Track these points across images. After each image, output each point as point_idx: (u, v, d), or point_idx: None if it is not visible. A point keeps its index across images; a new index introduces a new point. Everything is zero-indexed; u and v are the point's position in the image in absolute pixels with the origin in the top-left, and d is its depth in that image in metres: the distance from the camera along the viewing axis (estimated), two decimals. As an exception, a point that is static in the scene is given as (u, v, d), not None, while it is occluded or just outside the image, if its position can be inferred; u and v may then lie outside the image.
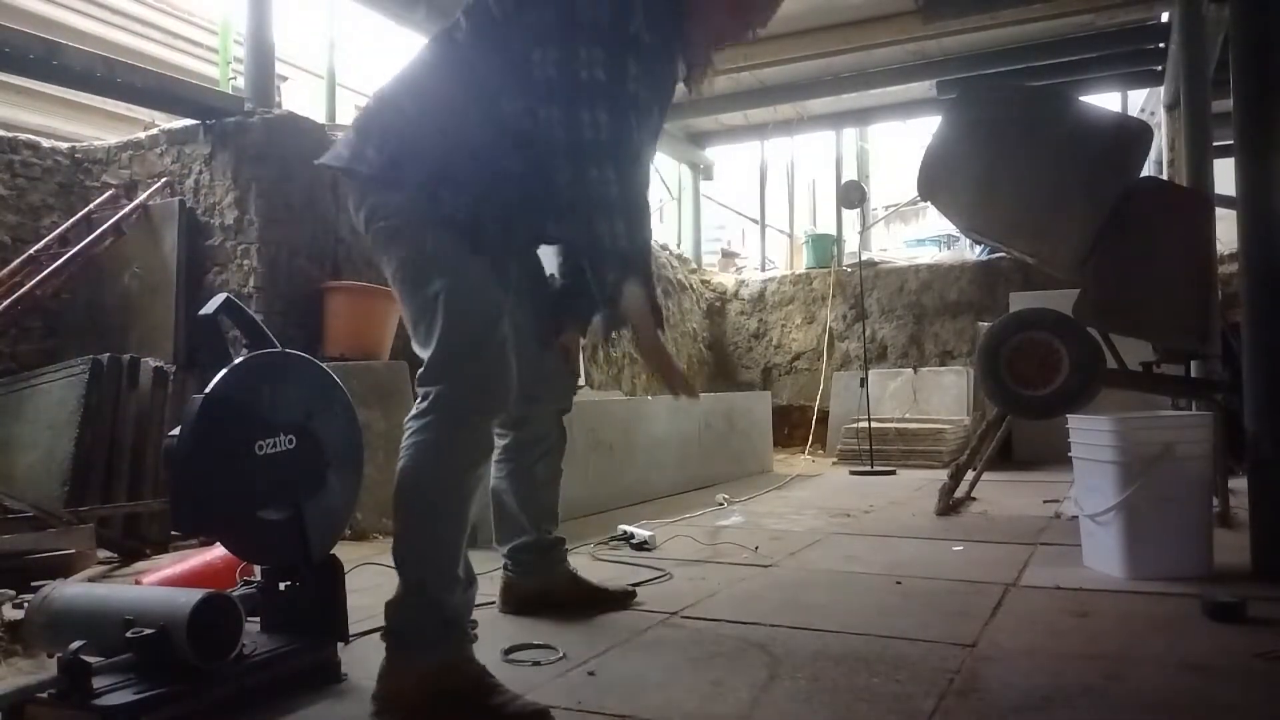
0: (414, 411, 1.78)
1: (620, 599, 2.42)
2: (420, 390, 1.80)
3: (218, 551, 2.42)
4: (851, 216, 8.35)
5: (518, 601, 2.34)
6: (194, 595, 1.61)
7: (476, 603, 1.86)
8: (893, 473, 5.64)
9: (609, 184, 1.77)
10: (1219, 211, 3.70)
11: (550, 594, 2.35)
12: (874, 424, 6.00)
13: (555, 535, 2.38)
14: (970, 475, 4.18)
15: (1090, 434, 2.79)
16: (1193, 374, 4.30)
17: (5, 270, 3.82)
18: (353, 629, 1.92)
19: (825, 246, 8.27)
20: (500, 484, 2.31)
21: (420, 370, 1.80)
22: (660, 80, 1.94)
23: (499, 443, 2.19)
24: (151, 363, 3.58)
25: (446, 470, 1.75)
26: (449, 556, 1.75)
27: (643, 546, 3.19)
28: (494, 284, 1.81)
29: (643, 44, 1.79)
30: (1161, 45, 6.44)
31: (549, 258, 2.27)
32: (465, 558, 1.79)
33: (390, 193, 1.79)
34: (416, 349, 1.82)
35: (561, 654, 1.99)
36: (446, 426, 1.74)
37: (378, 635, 1.75)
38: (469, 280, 1.77)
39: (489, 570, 2.11)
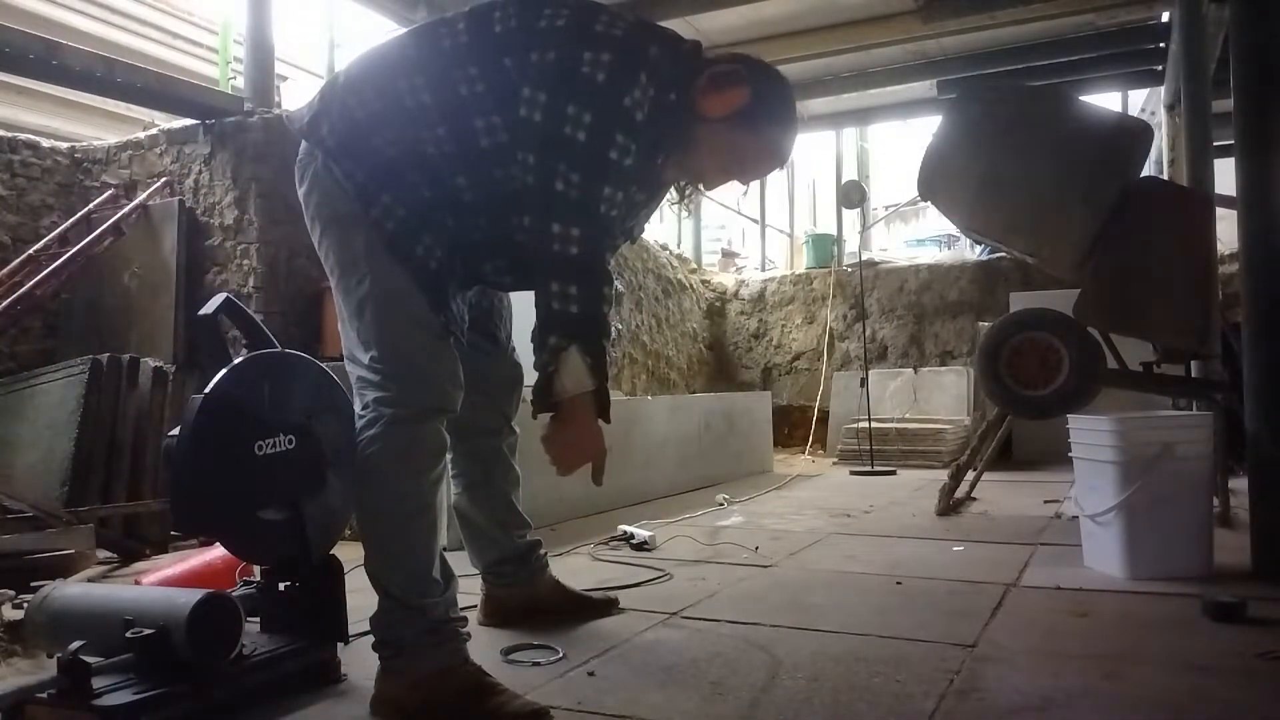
0: (361, 423, 1.76)
1: (604, 606, 2.36)
2: (360, 396, 1.77)
3: (218, 551, 2.42)
4: (851, 216, 8.36)
5: (503, 614, 2.25)
6: (194, 595, 1.61)
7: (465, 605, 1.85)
8: (893, 473, 5.63)
9: (570, 242, 1.63)
10: (1219, 211, 3.70)
11: (534, 604, 2.26)
12: (874, 424, 5.99)
13: (530, 538, 2.28)
14: (970, 475, 4.18)
15: (1090, 434, 2.79)
16: (1193, 374, 4.30)
17: (5, 270, 3.82)
18: (353, 629, 1.92)
19: (825, 246, 8.27)
20: (460, 501, 2.21)
21: (358, 375, 1.77)
22: (646, 173, 1.82)
23: (447, 457, 2.01)
24: (151, 363, 3.58)
25: (403, 475, 1.74)
26: (422, 562, 1.74)
27: (643, 546, 3.19)
28: (422, 295, 1.73)
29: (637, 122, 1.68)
30: (1161, 45, 6.44)
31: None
32: (440, 559, 1.78)
33: (330, 178, 1.75)
34: (349, 348, 1.79)
35: (561, 654, 1.99)
36: (394, 431, 1.73)
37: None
38: (396, 283, 1.73)
39: (468, 574, 2.09)
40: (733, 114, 1.75)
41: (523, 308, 2.25)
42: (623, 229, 1.93)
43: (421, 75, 1.72)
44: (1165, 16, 6.08)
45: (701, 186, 1.96)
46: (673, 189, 1.99)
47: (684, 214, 2.10)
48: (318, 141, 1.78)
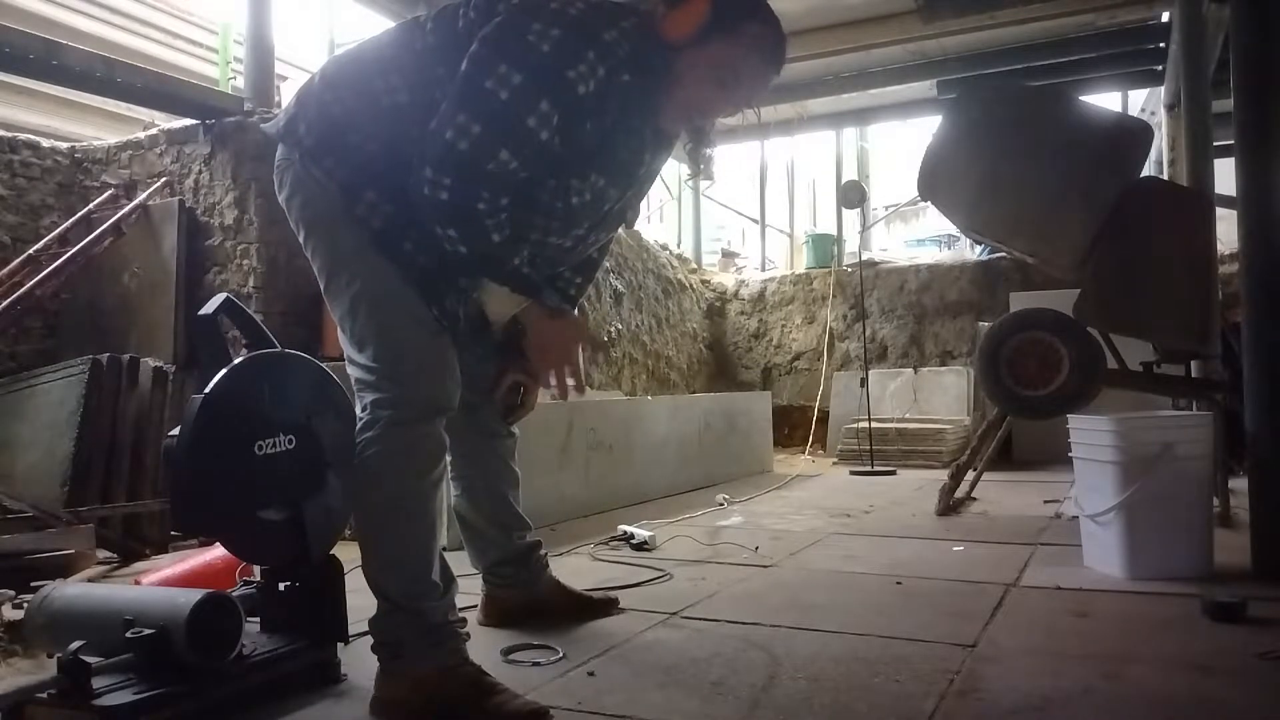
0: (360, 425, 1.75)
1: (605, 606, 2.34)
2: (359, 398, 1.76)
3: (218, 551, 2.42)
4: (851, 216, 8.36)
5: (503, 614, 2.23)
6: (194, 595, 1.61)
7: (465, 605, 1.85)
8: (893, 473, 5.63)
9: (441, 189, 1.59)
10: (1219, 211, 3.70)
11: (535, 604, 2.25)
12: (874, 424, 5.99)
13: (530, 539, 2.26)
14: (970, 475, 4.18)
15: (1090, 434, 2.79)
16: (1193, 374, 4.30)
17: (5, 270, 3.83)
18: (353, 629, 1.91)
19: (825, 246, 8.27)
20: (459, 503, 2.19)
21: (357, 376, 1.76)
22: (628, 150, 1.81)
23: (446, 459, 1.94)
24: (151, 363, 3.58)
25: (402, 477, 1.73)
26: (421, 565, 1.73)
27: (643, 547, 3.19)
28: (414, 291, 1.73)
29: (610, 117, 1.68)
30: (1161, 45, 6.44)
31: None
32: (440, 561, 1.78)
33: (311, 179, 1.74)
34: (346, 350, 1.79)
35: (561, 654, 1.99)
36: (393, 433, 1.72)
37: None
38: (386, 282, 1.71)
39: (468, 574, 2.09)
40: (700, 27, 1.69)
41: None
42: (594, 215, 1.87)
43: (398, 75, 1.72)
44: (1165, 16, 6.09)
45: (707, 125, 1.88)
46: (685, 167, 1.97)
47: (701, 183, 2.05)
48: (295, 142, 1.76)
